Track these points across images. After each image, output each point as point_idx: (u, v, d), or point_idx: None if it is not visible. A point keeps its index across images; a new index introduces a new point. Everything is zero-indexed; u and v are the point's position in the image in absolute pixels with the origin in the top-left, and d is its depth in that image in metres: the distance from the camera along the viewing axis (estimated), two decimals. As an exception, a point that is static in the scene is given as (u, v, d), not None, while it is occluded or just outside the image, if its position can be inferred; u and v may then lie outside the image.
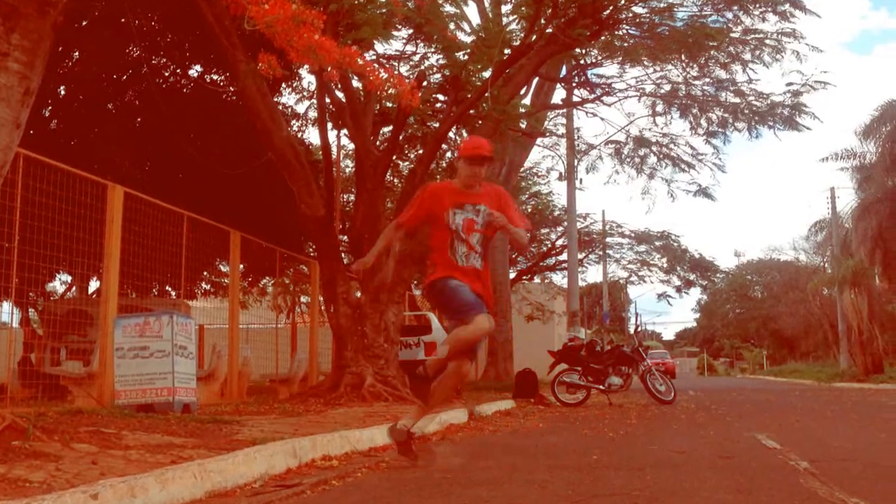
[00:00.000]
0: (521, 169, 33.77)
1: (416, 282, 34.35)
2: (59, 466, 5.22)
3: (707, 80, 22.27)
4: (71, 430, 6.58)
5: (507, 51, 15.78)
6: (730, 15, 20.19)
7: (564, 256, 36.47)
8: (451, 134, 21.16)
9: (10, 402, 10.74)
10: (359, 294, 16.54)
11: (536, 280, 45.15)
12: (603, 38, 18.74)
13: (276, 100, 20.17)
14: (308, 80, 23.74)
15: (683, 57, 20.39)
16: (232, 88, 20.58)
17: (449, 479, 6.28)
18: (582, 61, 21.80)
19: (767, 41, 20.71)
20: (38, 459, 5.36)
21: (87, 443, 6.17)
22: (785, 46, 20.70)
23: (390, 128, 19.05)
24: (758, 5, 20.06)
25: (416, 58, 20.18)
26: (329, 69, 6.50)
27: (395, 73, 13.76)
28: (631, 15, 18.57)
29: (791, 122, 22.15)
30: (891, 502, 5.02)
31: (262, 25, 5.81)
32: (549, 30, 15.84)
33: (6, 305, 16.10)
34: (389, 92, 7.26)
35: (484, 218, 7.23)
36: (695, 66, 21.48)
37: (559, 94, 28.17)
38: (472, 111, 16.34)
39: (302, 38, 5.92)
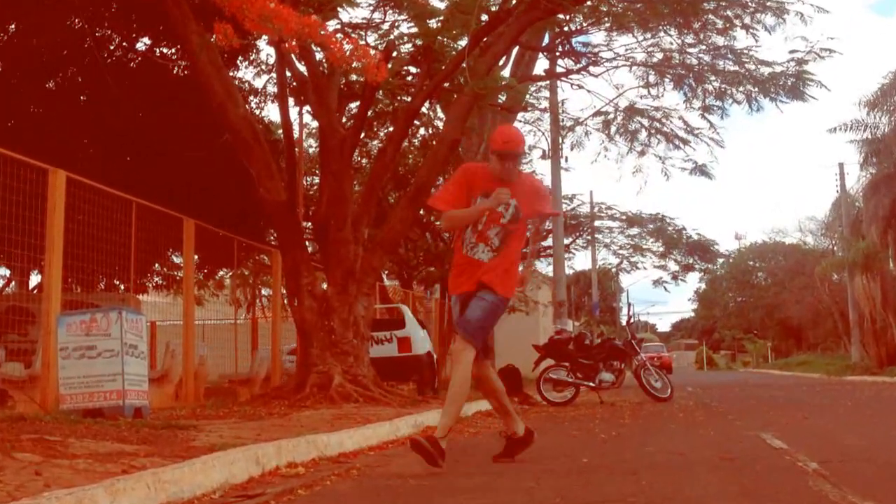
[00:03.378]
0: (502, 146, 33.76)
1: (386, 271, 34.38)
2: (-1, 478, 5.22)
3: (703, 47, 22.22)
4: (12, 438, 6.57)
5: (484, 17, 15.75)
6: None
7: (549, 242, 36.45)
8: (424, 109, 21.15)
9: (-57, 408, 10.70)
10: (325, 285, 16.50)
11: (520, 268, 45.05)
12: (589, 2, 18.71)
13: (232, 74, 20.10)
14: (267, 52, 23.67)
15: (677, 21, 20.33)
16: (183, 63, 20.48)
17: (427, 486, 6.30)
18: (566, 28, 21.71)
19: (769, 2, 20.66)
20: (-24, 471, 5.36)
21: (29, 452, 6.16)
22: (788, 8, 20.64)
23: (357, 103, 19.01)
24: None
25: (385, 26, 20.14)
26: (288, 41, 6.46)
27: (361, 44, 13.75)
28: (620, -25, 18.58)
29: (795, 91, 22.08)
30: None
31: (213, -8, 5.80)
32: (530, -7, 15.84)
33: (-62, 303, 16.03)
34: (354, 65, 7.20)
35: (512, 213, 7.28)
36: (689, 32, 21.42)
37: (541, 65, 28.10)
38: (446, 84, 16.30)
39: (256, 5, 5.90)
